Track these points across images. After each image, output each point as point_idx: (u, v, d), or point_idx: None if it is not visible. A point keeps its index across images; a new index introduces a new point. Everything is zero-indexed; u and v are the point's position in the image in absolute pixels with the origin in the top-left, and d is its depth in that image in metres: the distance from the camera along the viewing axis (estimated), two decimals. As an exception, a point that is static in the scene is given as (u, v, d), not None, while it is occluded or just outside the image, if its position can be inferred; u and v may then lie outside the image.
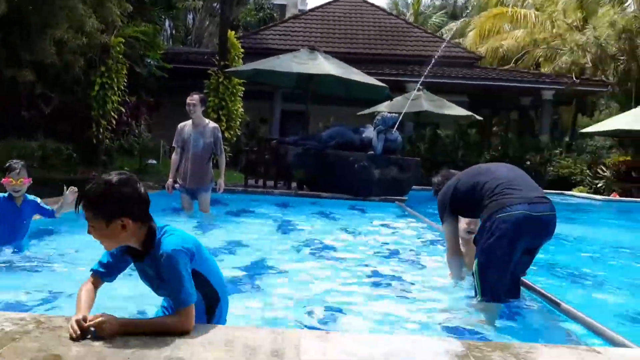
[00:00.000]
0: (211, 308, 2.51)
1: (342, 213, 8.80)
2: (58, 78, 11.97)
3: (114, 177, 2.27)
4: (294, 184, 11.61)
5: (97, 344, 2.02)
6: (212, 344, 2.10)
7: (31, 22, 9.16)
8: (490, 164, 3.93)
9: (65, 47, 10.27)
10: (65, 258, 4.43)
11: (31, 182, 4.47)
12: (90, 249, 3.99)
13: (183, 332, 2.16)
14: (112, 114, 12.83)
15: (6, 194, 4.45)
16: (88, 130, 12.65)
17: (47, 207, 4.64)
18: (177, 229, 2.41)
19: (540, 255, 3.81)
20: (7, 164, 4.35)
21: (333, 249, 5.74)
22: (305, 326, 3.04)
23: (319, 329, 2.96)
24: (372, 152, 10.96)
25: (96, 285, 2.42)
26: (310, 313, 3.27)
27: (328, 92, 13.47)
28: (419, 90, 14.71)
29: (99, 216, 2.23)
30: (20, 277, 3.80)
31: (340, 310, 3.39)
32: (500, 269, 3.47)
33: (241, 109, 14.74)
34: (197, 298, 2.30)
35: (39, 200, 4.63)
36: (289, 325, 2.97)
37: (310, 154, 11.21)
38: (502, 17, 24.55)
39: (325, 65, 11.41)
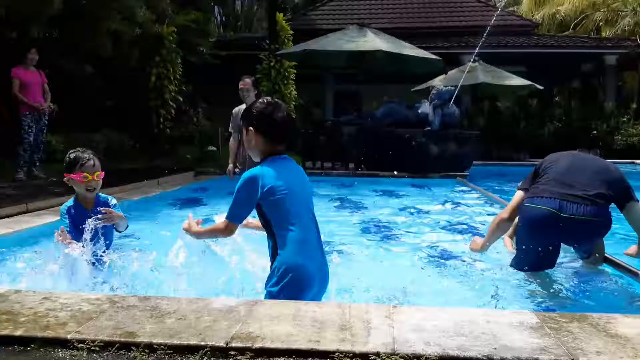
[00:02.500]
0: (273, 259, 2.59)
1: (403, 191, 8.70)
2: (116, 70, 12.32)
3: None
4: (351, 164, 11.56)
5: (169, 320, 2.06)
6: (280, 318, 2.10)
7: (85, 16, 9.43)
8: (571, 152, 3.81)
9: (120, 40, 10.54)
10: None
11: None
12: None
13: (220, 233, 2.75)
14: (171, 103, 13.14)
15: (72, 201, 3.50)
16: (148, 120, 13.01)
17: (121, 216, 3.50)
18: (272, 163, 2.65)
19: (615, 226, 3.64)
20: (73, 156, 3.44)
21: (396, 226, 5.69)
22: (372, 301, 3.01)
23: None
24: (429, 127, 10.75)
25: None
26: (376, 289, 3.24)
27: (380, 70, 13.26)
28: (474, 61, 14.26)
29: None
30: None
31: (406, 287, 3.35)
32: (525, 252, 3.58)
33: (294, 92, 14.75)
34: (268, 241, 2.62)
35: (114, 201, 3.59)
36: (356, 301, 2.94)
37: (365, 133, 11.11)
38: (558, -19, 23.48)
39: (375, 42, 11.22)
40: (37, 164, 8.58)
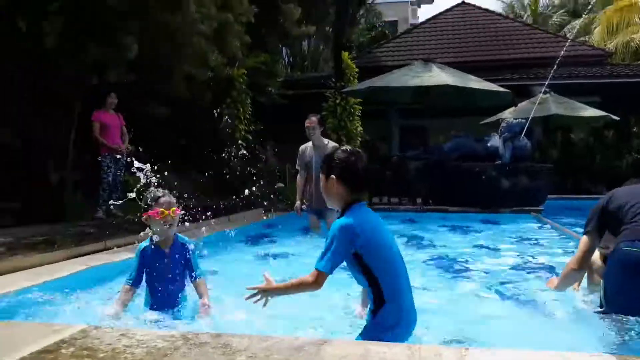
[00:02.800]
0: (375, 305, 2.61)
1: (473, 227, 8.50)
2: (190, 111, 12.85)
3: None
4: (419, 200, 11.43)
5: (240, 358, 2.08)
6: (348, 358, 2.08)
7: (161, 61, 9.94)
8: None
9: (194, 82, 11.02)
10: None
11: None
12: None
13: (307, 287, 2.59)
14: (240, 142, 13.56)
15: (148, 241, 3.50)
16: (220, 159, 13.45)
17: (198, 265, 3.56)
18: (360, 212, 2.70)
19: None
20: (149, 195, 3.53)
21: (467, 263, 5.54)
22: (442, 342, 2.93)
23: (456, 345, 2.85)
24: (499, 161, 10.51)
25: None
26: (446, 329, 3.16)
27: (447, 104, 13.17)
28: (545, 93, 13.90)
29: None
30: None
31: (478, 327, 3.24)
32: (625, 298, 3.22)
33: (360, 128, 14.85)
34: (368, 288, 2.63)
35: (192, 246, 3.59)
36: (425, 341, 2.88)
37: (432, 167, 11.00)
38: (631, 9, 22.65)
39: (441, 76, 11.19)
40: (115, 203, 9.00)
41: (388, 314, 2.59)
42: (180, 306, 3.49)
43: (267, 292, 2.71)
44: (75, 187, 9.17)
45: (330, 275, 2.60)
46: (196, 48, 9.97)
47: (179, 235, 3.58)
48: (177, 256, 3.48)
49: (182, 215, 3.58)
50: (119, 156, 8.81)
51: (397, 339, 2.53)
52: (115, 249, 5.77)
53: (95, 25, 8.50)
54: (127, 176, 9.87)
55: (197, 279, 3.51)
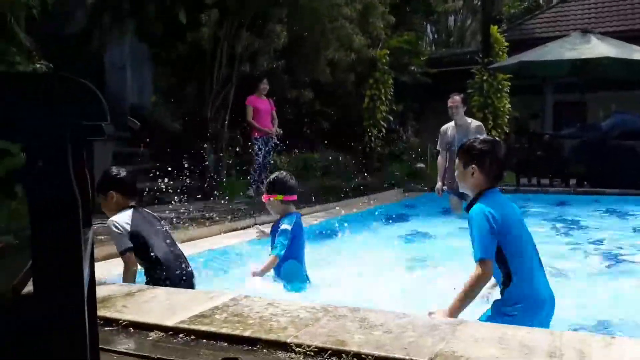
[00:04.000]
0: (504, 285, 2.70)
1: (633, 211, 7.79)
2: (333, 94, 13.18)
3: None
4: (572, 181, 10.70)
5: (377, 332, 2.17)
6: (485, 340, 2.07)
7: (307, 47, 10.29)
8: None
9: (338, 66, 11.27)
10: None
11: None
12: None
13: (481, 279, 2.59)
14: (382, 122, 13.64)
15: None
16: (361, 140, 13.67)
17: (277, 244, 3.89)
18: (493, 197, 2.76)
19: None
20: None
21: (623, 249, 5.14)
22: (587, 330, 2.79)
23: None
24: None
25: None
26: (592, 318, 2.99)
27: (607, 77, 12.08)
28: None
29: None
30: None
31: (628, 318, 3.02)
32: None
33: (508, 105, 14.13)
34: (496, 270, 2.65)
35: (284, 225, 3.91)
36: (569, 328, 2.75)
37: (589, 146, 10.21)
38: None
39: (600, 48, 10.30)
40: (265, 182, 9.56)
41: (516, 292, 2.65)
42: (281, 275, 3.83)
43: (447, 316, 2.57)
44: (229, 167, 9.88)
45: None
46: (341, 32, 10.18)
47: (290, 214, 3.97)
48: (274, 233, 3.97)
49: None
50: (269, 139, 9.29)
51: (525, 316, 2.55)
52: (263, 225, 6.15)
53: (247, 14, 9.03)
54: (275, 157, 10.44)
55: (270, 255, 3.87)
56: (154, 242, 3.43)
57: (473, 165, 2.79)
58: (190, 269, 3.58)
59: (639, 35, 15.82)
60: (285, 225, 3.84)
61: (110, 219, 3.43)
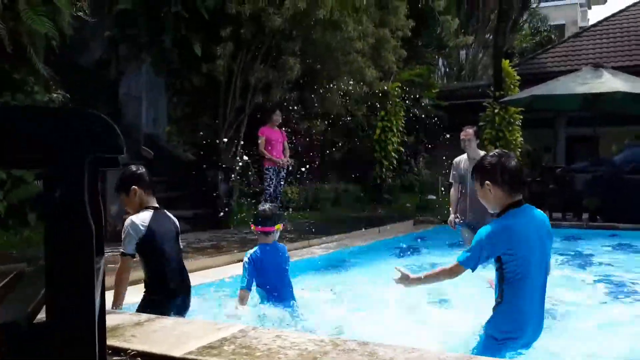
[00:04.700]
0: (496, 301, 2.77)
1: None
2: (345, 126, 13.28)
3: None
4: (585, 215, 10.62)
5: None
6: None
7: (320, 79, 10.43)
8: None
9: (349, 98, 11.38)
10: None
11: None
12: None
13: (447, 277, 2.86)
14: (393, 154, 13.70)
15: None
16: (372, 171, 13.70)
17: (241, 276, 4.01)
18: (514, 216, 2.77)
19: None
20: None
21: (637, 286, 5.06)
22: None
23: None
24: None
25: None
26: (606, 353, 2.93)
27: (620, 111, 12.07)
28: None
29: None
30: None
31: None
32: None
33: (520, 139, 14.13)
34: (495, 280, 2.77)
35: (246, 257, 4.11)
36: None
37: (602, 180, 10.15)
38: None
39: (612, 82, 10.31)
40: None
41: (503, 313, 2.72)
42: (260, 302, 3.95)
43: (407, 281, 2.98)
44: (240, 197, 9.92)
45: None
46: (353, 65, 10.31)
47: (260, 245, 4.14)
48: None
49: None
50: (281, 169, 9.34)
51: (508, 341, 2.69)
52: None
53: (261, 47, 9.20)
54: (285, 187, 10.48)
55: None
56: (164, 248, 3.55)
57: (487, 182, 2.82)
58: (188, 282, 3.71)
59: (651, 70, 15.86)
60: (245, 259, 3.99)
61: (130, 217, 3.55)
